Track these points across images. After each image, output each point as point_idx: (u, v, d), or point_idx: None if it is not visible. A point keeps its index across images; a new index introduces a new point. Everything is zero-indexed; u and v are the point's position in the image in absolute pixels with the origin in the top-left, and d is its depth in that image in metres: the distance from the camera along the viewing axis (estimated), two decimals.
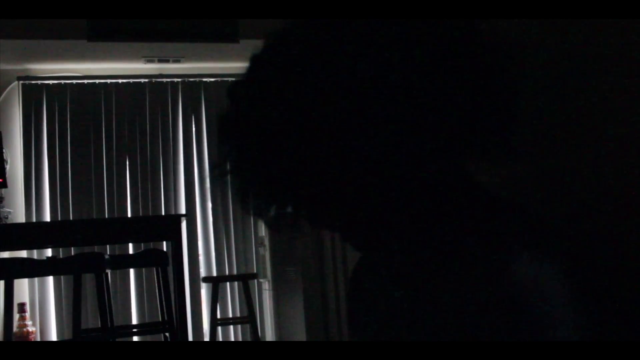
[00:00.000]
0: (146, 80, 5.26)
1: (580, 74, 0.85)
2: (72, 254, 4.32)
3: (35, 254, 4.60)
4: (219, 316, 4.66)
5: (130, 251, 4.88)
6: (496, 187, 0.76)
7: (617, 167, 0.80)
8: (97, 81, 5.15)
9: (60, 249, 4.65)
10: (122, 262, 4.11)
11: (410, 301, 0.74)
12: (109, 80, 5.17)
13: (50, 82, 5.06)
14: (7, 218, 4.63)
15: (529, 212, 0.72)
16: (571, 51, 0.86)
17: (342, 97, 0.67)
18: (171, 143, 5.26)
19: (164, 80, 5.29)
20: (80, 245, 4.32)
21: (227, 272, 5.22)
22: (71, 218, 4.95)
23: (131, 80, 5.22)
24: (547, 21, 0.86)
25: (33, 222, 4.78)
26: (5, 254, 4.05)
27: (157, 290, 4.04)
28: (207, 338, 4.91)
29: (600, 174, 0.83)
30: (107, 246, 4.81)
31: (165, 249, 4.62)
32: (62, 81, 5.08)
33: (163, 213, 5.14)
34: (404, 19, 0.69)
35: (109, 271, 3.47)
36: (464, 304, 0.63)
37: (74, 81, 5.11)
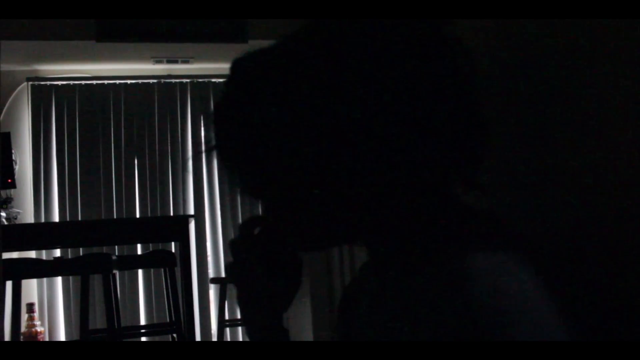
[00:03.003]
0: (155, 80, 5.26)
1: (559, 76, 0.83)
2: (81, 254, 4.33)
3: (44, 255, 4.61)
4: (227, 317, 4.65)
5: (139, 252, 4.88)
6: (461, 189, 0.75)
7: (587, 167, 0.79)
8: (105, 82, 5.16)
9: (69, 250, 4.66)
10: (130, 263, 4.11)
11: (383, 306, 0.75)
12: (117, 81, 5.18)
13: (59, 82, 5.08)
14: (16, 218, 4.64)
15: (489, 213, 0.72)
16: (553, 53, 0.84)
17: (333, 100, 0.67)
18: (180, 143, 5.27)
19: (173, 80, 5.29)
20: (89, 246, 4.32)
21: None
22: (80, 218, 4.96)
23: (140, 81, 5.23)
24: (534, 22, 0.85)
25: (42, 223, 4.79)
26: (14, 254, 4.06)
27: (164, 291, 4.04)
28: (214, 339, 4.91)
29: (568, 174, 0.82)
30: (116, 247, 4.81)
31: (173, 249, 4.62)
32: (71, 82, 5.10)
33: (171, 214, 5.15)
34: (383, 20, 0.69)
35: (116, 272, 3.47)
36: (427, 306, 0.63)
37: (83, 82, 5.13)
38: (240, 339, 5.14)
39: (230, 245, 0.86)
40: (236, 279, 0.87)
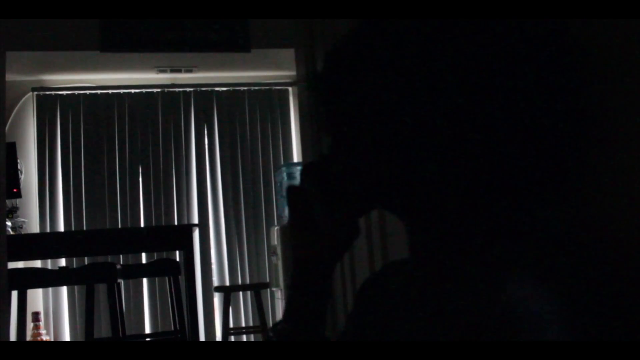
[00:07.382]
0: (159, 90, 5.29)
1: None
2: (86, 263, 4.34)
3: (49, 264, 4.63)
4: (231, 325, 4.66)
5: (143, 261, 4.89)
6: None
7: (616, 177, 0.78)
8: (110, 91, 5.19)
9: (74, 259, 4.67)
10: (135, 272, 4.12)
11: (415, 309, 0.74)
12: (121, 91, 5.21)
13: (64, 92, 5.11)
14: (21, 228, 4.67)
15: (524, 231, 0.71)
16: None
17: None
18: (184, 152, 5.29)
19: (177, 90, 5.32)
20: (94, 255, 4.34)
21: (239, 282, 5.22)
22: (84, 228, 4.98)
23: (144, 90, 5.26)
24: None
25: (47, 232, 4.81)
26: (20, 264, 4.08)
27: (169, 300, 4.05)
28: None
29: (599, 186, 0.81)
30: (120, 256, 4.83)
31: (177, 258, 4.63)
32: (76, 92, 5.13)
33: (176, 222, 5.16)
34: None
35: (121, 281, 3.48)
36: (459, 320, 0.62)
37: (88, 91, 5.16)
38: None
39: (302, 170, 0.84)
40: (293, 203, 0.85)
